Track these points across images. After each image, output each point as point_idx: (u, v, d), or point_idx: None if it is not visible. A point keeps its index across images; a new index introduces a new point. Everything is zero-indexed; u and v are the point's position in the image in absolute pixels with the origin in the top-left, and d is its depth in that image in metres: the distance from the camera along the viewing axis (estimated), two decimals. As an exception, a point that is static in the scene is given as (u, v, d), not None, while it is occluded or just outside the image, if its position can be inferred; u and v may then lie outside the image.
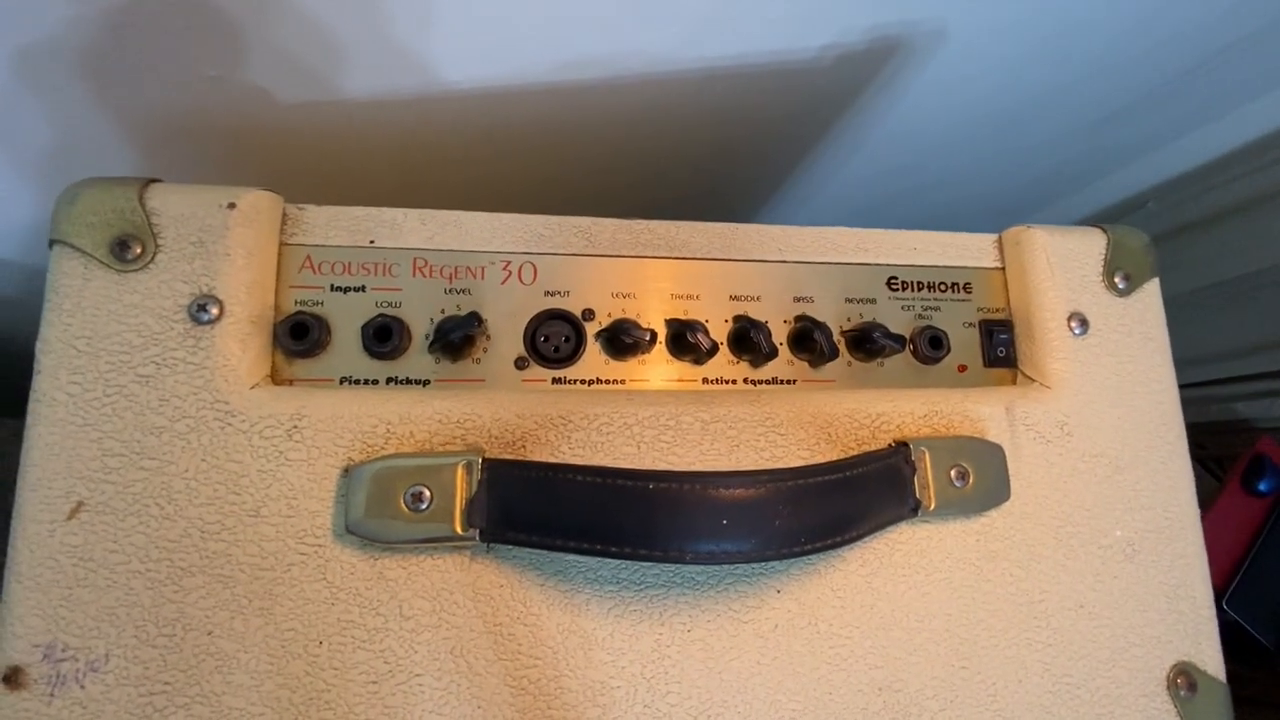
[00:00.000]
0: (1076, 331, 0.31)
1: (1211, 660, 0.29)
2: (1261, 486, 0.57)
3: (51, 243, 0.24)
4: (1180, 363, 0.32)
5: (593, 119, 0.44)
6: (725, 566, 0.25)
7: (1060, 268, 0.32)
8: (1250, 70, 0.48)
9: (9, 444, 0.39)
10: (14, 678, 0.21)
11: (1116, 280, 0.32)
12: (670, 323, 0.29)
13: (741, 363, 0.30)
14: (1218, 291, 0.65)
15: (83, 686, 0.21)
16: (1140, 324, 0.32)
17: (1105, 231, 0.33)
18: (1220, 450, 0.67)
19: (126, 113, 0.34)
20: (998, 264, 0.33)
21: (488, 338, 0.28)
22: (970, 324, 0.32)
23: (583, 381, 0.29)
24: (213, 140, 0.37)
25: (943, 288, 0.33)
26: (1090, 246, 0.32)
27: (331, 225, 0.28)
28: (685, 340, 0.28)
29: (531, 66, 0.38)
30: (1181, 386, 0.32)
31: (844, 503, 0.23)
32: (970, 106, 0.51)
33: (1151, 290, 0.33)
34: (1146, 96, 0.51)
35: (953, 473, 0.27)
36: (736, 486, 0.21)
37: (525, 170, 0.47)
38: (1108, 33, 0.43)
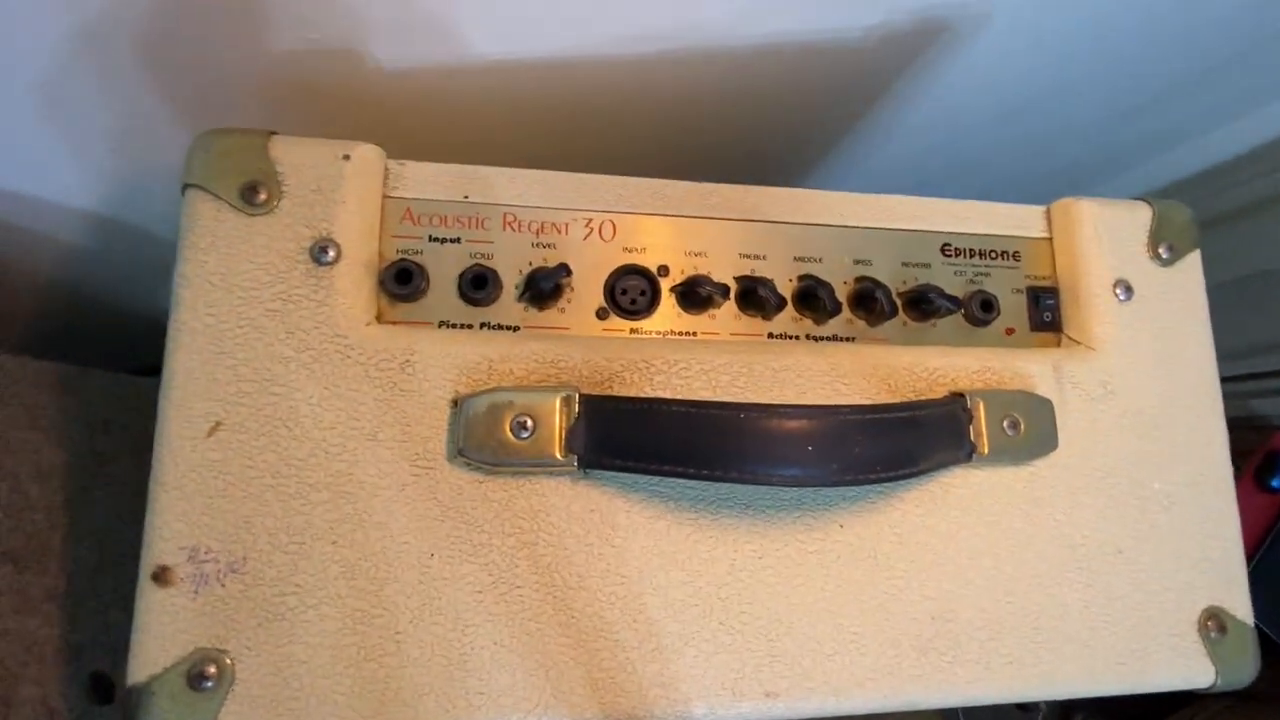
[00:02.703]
0: (1121, 297, 0.33)
1: (1241, 606, 0.31)
2: (1275, 483, 0.57)
3: (185, 187, 0.26)
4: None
5: (647, 92, 0.45)
6: (793, 500, 0.27)
7: (1107, 237, 0.33)
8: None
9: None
10: (162, 575, 0.23)
11: (1161, 251, 0.34)
12: (740, 279, 0.31)
13: (805, 320, 0.32)
14: (1236, 288, 0.66)
15: (223, 585, 0.24)
16: (1182, 292, 0.34)
17: (1151, 205, 0.34)
18: (1235, 446, 0.67)
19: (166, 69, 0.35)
20: (1045, 234, 0.35)
21: (571, 289, 0.30)
22: (1018, 290, 0.34)
23: (658, 333, 0.31)
24: (293, 104, 0.39)
25: (993, 255, 0.34)
26: (1136, 218, 0.34)
27: (429, 180, 0.30)
28: (755, 295, 0.30)
29: (594, 38, 0.39)
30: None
31: (911, 439, 0.25)
32: (1004, 91, 0.52)
33: (1193, 261, 0.34)
34: (1175, 87, 0.52)
35: (1005, 422, 0.29)
36: (819, 418, 0.23)
37: (581, 141, 0.49)
38: (1145, 15, 0.44)
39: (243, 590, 0.24)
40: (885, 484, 0.26)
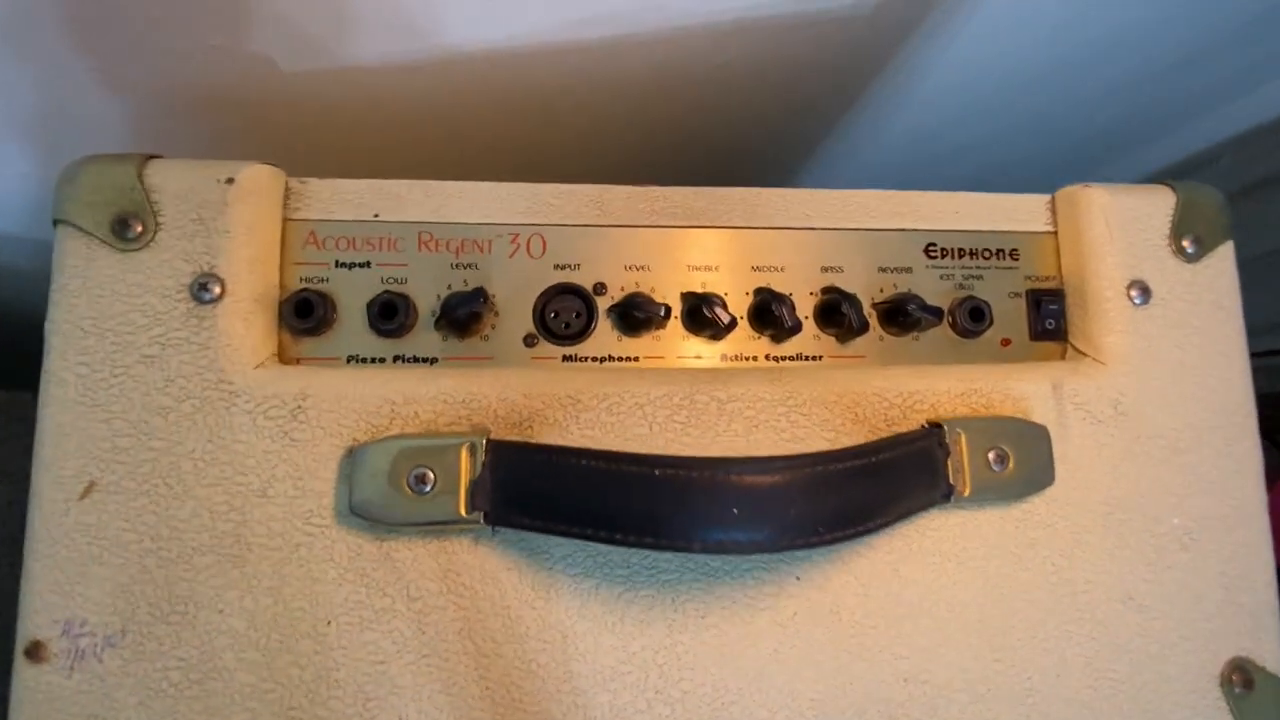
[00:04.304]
0: (1137, 301, 0.28)
1: (1271, 655, 0.27)
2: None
3: (55, 222, 0.24)
4: (1252, 329, 0.29)
5: (608, 81, 0.41)
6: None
7: (1121, 231, 0.29)
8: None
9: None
10: (35, 651, 0.22)
11: (1185, 244, 0.29)
12: (686, 296, 0.28)
13: (763, 338, 0.28)
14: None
15: (100, 660, 0.22)
16: (1210, 292, 0.29)
17: (1174, 190, 0.30)
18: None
19: (129, 85, 0.33)
20: (1049, 227, 0.31)
21: (495, 314, 0.27)
22: (1016, 294, 0.30)
23: (594, 359, 0.27)
24: (217, 112, 0.36)
25: (986, 254, 0.30)
26: (1156, 207, 0.29)
27: (335, 199, 0.27)
28: (702, 314, 0.27)
29: (541, 25, 0.36)
30: (1253, 355, 0.29)
31: (867, 490, 0.21)
32: (1023, 54, 0.47)
33: (1224, 255, 0.29)
34: (1223, 39, 0.46)
35: (991, 455, 0.25)
36: (748, 473, 0.20)
37: (538, 139, 0.45)
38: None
39: (122, 666, 0.22)
40: (837, 546, 0.23)
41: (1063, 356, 0.30)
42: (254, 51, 0.32)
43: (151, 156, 0.25)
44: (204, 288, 0.23)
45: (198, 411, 0.23)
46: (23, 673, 0.22)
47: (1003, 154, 0.60)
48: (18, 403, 0.42)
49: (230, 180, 0.24)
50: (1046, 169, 0.63)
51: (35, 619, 0.22)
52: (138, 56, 0.32)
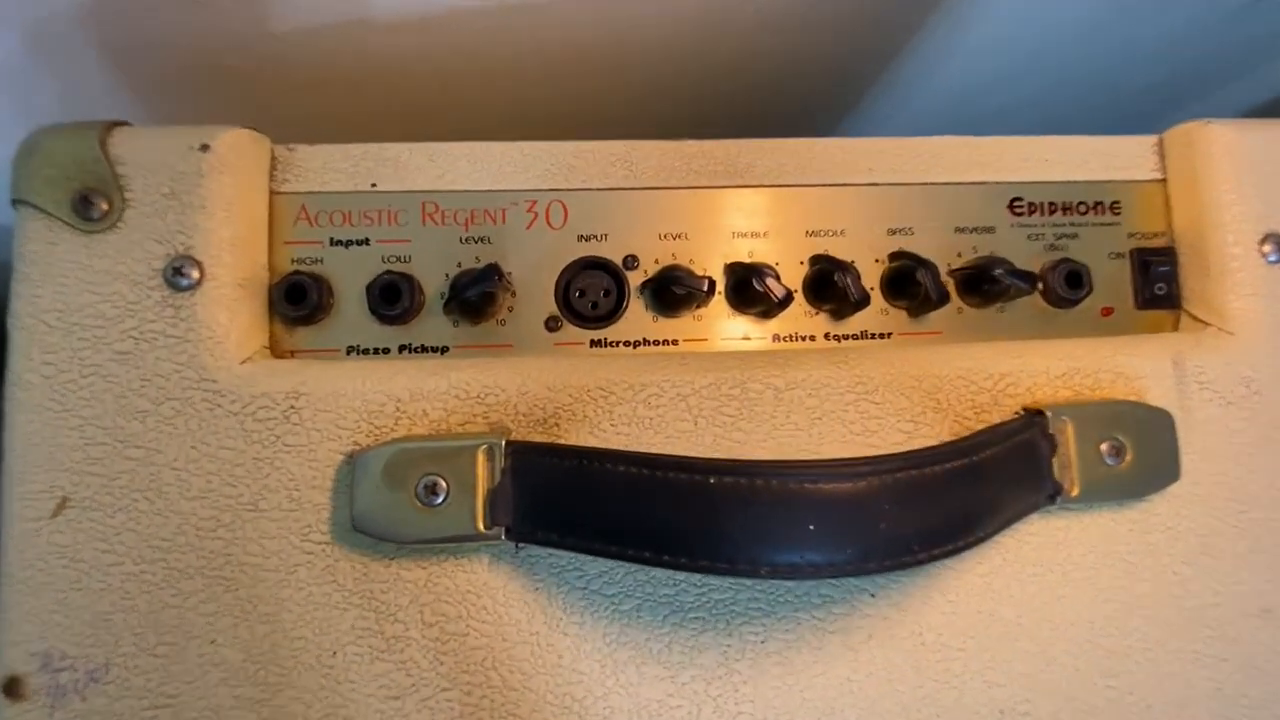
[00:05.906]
0: (1271, 258, 0.24)
1: None
2: None
3: (14, 203, 0.21)
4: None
5: (636, 34, 0.37)
6: (807, 567, 0.21)
7: (1251, 174, 0.24)
8: None
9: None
10: (13, 688, 0.19)
11: (1332, 187, 0.24)
12: (732, 268, 0.24)
13: (821, 313, 0.24)
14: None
15: (84, 698, 0.19)
16: (1364, 244, 0.24)
17: (1316, 122, 0.25)
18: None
19: (113, 52, 0.30)
20: (1157, 175, 0.26)
21: (512, 294, 0.24)
22: (1118, 254, 0.25)
23: (626, 343, 0.24)
24: (201, 79, 0.33)
25: (1083, 209, 0.26)
26: (1294, 143, 0.24)
27: (327, 167, 0.23)
28: (751, 289, 0.23)
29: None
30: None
31: (967, 497, 0.18)
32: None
33: (1380, 199, 0.24)
34: None
35: (1104, 447, 0.21)
36: (827, 480, 0.16)
37: (558, 101, 0.41)
38: None
39: (107, 704, 0.19)
40: (933, 565, 0.19)
41: (1175, 326, 0.25)
42: (239, 10, 0.29)
43: (116, 124, 0.21)
44: (179, 272, 0.20)
45: (178, 415, 0.20)
46: (3, 713, 0.19)
47: (1059, 106, 0.55)
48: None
49: (205, 147, 0.21)
50: (1111, 121, 0.57)
51: (11, 651, 0.19)
52: (125, 24, 0.29)
